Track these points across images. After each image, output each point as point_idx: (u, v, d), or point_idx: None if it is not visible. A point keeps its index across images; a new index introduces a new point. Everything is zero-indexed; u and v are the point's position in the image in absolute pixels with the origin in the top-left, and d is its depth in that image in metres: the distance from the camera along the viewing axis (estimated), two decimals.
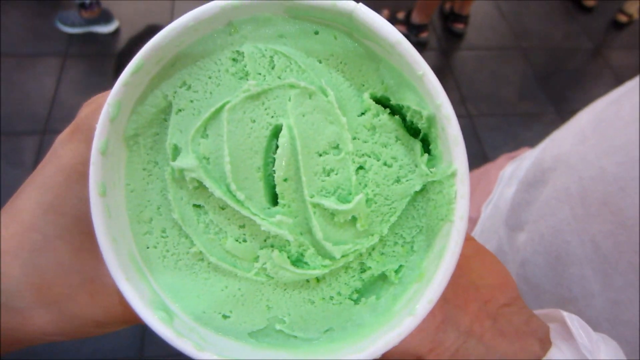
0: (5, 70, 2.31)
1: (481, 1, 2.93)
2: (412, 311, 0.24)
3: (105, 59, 2.45)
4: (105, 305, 0.29)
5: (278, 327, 0.26)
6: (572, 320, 0.32)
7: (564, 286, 0.57)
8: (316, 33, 0.26)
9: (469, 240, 0.34)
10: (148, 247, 0.27)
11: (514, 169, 0.77)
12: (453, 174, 0.24)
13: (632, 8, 3.01)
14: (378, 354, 0.23)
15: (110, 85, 0.25)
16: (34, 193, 0.28)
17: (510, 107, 2.54)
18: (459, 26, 2.78)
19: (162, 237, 0.27)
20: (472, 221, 0.79)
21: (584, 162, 0.55)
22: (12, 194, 0.29)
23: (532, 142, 0.90)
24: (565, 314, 0.33)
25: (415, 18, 2.60)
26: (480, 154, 2.28)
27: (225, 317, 0.26)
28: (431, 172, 0.25)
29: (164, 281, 0.26)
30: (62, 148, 0.28)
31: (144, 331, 1.65)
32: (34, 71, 2.36)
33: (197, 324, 0.26)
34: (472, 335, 0.30)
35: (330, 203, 0.25)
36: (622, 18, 3.04)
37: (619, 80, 2.61)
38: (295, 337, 0.26)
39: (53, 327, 0.29)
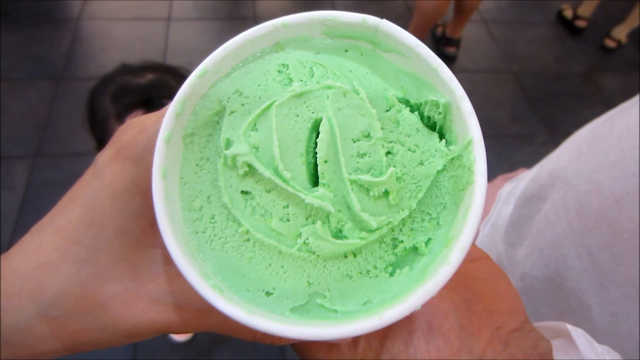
0: None
1: (472, 25, 2.99)
2: (447, 261, 0.26)
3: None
4: (137, 315, 0.30)
5: (319, 301, 0.28)
6: (577, 334, 0.32)
7: (562, 299, 0.57)
8: (346, 51, 0.32)
9: (485, 259, 0.36)
10: (197, 232, 0.29)
11: (512, 188, 0.78)
12: (470, 142, 0.28)
13: (620, 34, 3.07)
14: (419, 304, 0.25)
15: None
16: (77, 209, 0.30)
17: (502, 128, 2.58)
18: (450, 50, 2.83)
19: (211, 222, 0.29)
20: None
21: (580, 177, 0.56)
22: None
23: (525, 163, 0.91)
24: (569, 327, 0.33)
25: None
26: None
27: (268, 294, 0.28)
28: (450, 150, 0.29)
29: (212, 263, 0.29)
30: (106, 168, 0.30)
31: None
32: (27, 95, 2.37)
33: (242, 300, 0.28)
34: None
35: (366, 177, 0.28)
36: (611, 44, 3.09)
37: (609, 103, 2.65)
38: (336, 311, 0.28)
39: (84, 336, 0.30)
